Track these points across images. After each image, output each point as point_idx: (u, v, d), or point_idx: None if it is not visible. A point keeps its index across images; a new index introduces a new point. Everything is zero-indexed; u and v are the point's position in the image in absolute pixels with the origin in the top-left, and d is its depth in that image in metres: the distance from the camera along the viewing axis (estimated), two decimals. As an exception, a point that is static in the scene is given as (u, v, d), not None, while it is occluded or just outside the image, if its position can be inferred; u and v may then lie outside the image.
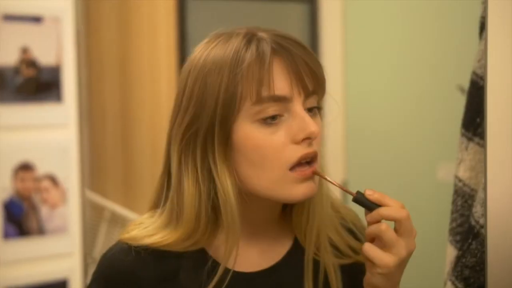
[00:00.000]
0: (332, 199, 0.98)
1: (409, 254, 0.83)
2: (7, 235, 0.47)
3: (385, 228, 0.81)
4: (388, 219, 0.82)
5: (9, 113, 0.48)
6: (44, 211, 0.49)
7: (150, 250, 0.87)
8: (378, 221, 0.83)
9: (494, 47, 0.79)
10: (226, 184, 0.83)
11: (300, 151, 0.83)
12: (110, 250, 0.91)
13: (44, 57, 0.49)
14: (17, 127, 0.48)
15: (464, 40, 2.02)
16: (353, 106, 2.39)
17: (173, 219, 0.88)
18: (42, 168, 0.49)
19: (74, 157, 0.50)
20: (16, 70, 0.48)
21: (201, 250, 0.89)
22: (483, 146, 1.01)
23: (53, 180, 0.49)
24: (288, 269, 0.92)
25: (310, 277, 0.91)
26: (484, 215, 0.81)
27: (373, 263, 0.82)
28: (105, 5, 2.18)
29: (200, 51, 0.85)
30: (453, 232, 1.06)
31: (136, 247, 0.87)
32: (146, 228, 0.89)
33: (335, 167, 2.39)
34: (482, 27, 1.03)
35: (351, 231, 0.98)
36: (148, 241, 0.87)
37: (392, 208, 0.83)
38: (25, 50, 0.48)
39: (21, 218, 0.48)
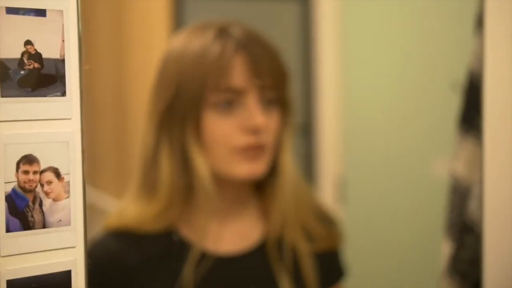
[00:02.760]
0: (302, 184, 1.02)
1: None
2: (10, 228, 0.48)
3: None
4: None
5: (12, 107, 0.48)
6: (47, 204, 0.49)
7: (126, 236, 0.92)
8: None
9: (492, 44, 0.80)
10: (199, 161, 0.90)
11: (244, 139, 0.90)
12: (93, 241, 0.95)
13: (48, 51, 0.49)
14: (20, 120, 0.48)
15: (459, 37, 2.03)
16: (349, 103, 2.40)
17: (147, 193, 0.93)
18: (45, 161, 0.49)
19: (77, 150, 0.50)
20: (20, 63, 0.48)
21: (175, 232, 0.93)
22: (479, 141, 1.02)
23: (56, 173, 0.49)
24: (262, 253, 0.96)
25: (279, 261, 0.95)
26: (481, 210, 0.82)
27: None
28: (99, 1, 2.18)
29: (179, 41, 0.94)
30: (448, 227, 1.07)
31: (116, 234, 0.93)
32: (127, 212, 0.94)
33: (332, 163, 2.40)
34: (478, 23, 1.04)
35: (323, 218, 1.03)
36: (128, 225, 0.92)
37: None
38: (28, 43, 0.48)
39: (24, 211, 0.48)
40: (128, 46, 2.21)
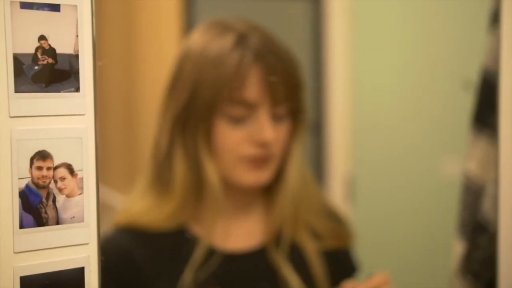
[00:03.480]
0: (310, 183, 1.03)
1: None
2: (24, 224, 0.47)
3: None
4: None
5: (26, 102, 0.48)
6: (60, 200, 0.49)
7: (137, 233, 0.93)
8: None
9: (509, 41, 0.79)
10: (208, 166, 0.91)
11: (252, 150, 0.91)
12: (103, 238, 0.93)
13: (62, 46, 0.49)
14: (33, 116, 0.48)
15: (471, 34, 2.03)
16: (359, 101, 2.39)
17: (160, 191, 0.93)
18: (59, 157, 0.49)
19: (90, 146, 0.50)
20: (33, 59, 0.48)
21: (187, 229, 0.94)
22: (492, 140, 1.01)
23: (69, 169, 0.49)
24: (267, 251, 0.96)
25: (286, 260, 0.96)
26: (496, 209, 0.81)
27: None
28: (109, 1, 2.18)
29: (197, 41, 0.93)
30: (461, 226, 1.06)
31: (126, 231, 0.93)
32: (136, 209, 0.94)
33: (341, 162, 2.39)
34: (492, 20, 1.03)
35: (332, 217, 1.03)
36: (138, 221, 0.93)
37: None
38: (42, 38, 0.48)
39: (38, 208, 0.48)
40: (138, 44, 2.21)
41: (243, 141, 0.91)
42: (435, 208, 2.18)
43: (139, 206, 0.94)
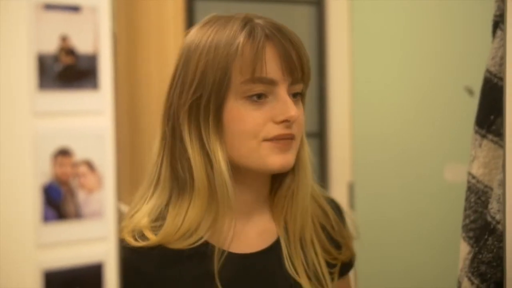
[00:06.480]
0: (315, 191, 1.03)
1: None
2: (46, 218, 0.49)
3: None
4: None
5: (49, 100, 0.49)
6: (81, 195, 0.50)
7: (151, 248, 0.89)
8: None
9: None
10: (217, 154, 0.88)
11: (277, 130, 0.89)
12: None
13: (82, 46, 0.50)
14: (56, 113, 0.49)
15: (472, 40, 2.04)
16: (359, 107, 2.40)
17: (180, 196, 0.91)
18: (79, 153, 0.50)
19: (110, 143, 0.51)
20: (56, 58, 0.49)
21: (208, 243, 0.92)
22: (497, 143, 1.02)
23: (90, 165, 0.50)
24: (279, 250, 0.96)
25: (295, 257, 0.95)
26: (502, 211, 0.82)
27: None
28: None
29: (202, 34, 0.92)
30: (466, 228, 1.07)
31: (137, 247, 0.89)
32: (147, 220, 0.92)
33: (341, 169, 2.40)
34: (495, 25, 1.04)
35: (332, 226, 1.04)
36: (152, 240, 0.89)
37: None
38: (64, 39, 0.49)
39: (59, 202, 0.49)
40: (141, 55, 2.23)
41: (267, 121, 0.89)
42: (437, 214, 2.19)
43: (149, 220, 0.92)
